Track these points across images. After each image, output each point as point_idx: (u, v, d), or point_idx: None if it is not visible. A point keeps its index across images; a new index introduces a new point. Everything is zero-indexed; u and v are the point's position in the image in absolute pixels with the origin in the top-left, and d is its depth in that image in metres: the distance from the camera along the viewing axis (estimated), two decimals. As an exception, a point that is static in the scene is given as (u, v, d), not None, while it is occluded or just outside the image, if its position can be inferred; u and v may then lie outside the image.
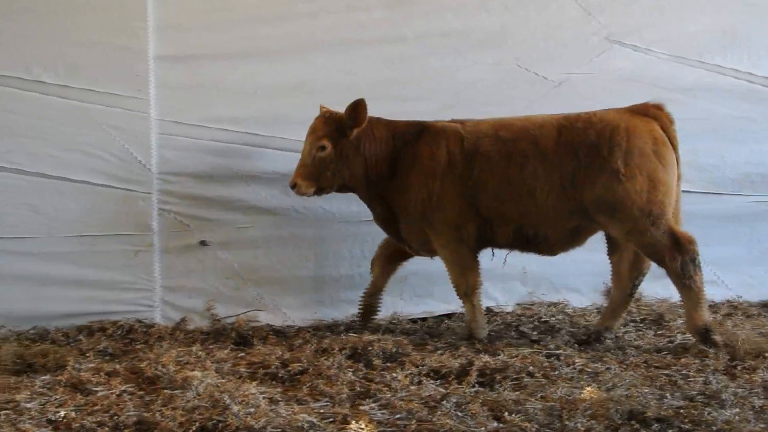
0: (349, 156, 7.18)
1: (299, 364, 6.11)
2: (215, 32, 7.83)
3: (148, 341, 7.12)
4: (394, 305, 7.97)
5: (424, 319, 7.82)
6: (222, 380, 5.71)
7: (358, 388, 5.67)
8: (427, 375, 5.97)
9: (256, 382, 5.74)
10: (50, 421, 5.04)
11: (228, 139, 7.81)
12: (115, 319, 7.48)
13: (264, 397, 5.32)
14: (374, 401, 5.41)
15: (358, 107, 7.06)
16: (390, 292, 7.75)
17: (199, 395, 5.33)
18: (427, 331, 7.54)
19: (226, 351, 6.60)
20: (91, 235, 7.57)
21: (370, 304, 7.60)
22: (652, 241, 6.64)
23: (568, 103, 7.75)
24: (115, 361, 6.45)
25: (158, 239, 7.72)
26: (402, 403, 5.34)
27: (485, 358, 6.24)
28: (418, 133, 7.24)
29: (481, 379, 5.86)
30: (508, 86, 8.09)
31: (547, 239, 7.02)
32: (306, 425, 4.88)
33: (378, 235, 7.66)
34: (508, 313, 8.00)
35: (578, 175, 6.78)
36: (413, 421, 5.05)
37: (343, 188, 7.36)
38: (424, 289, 8.10)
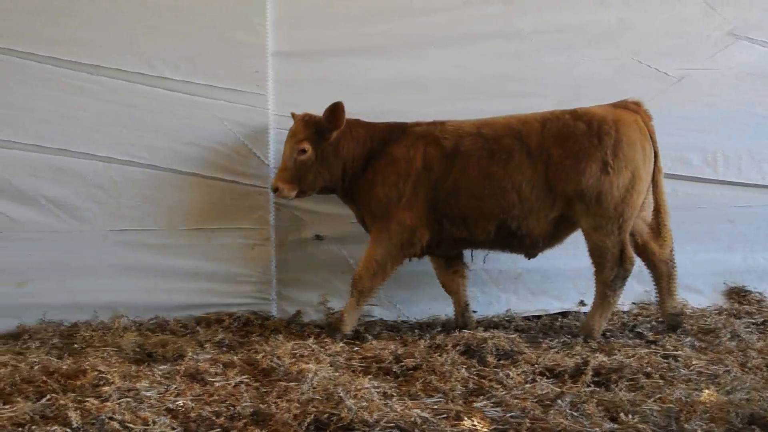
0: (329, 158, 7.21)
1: (413, 360, 6.11)
2: (332, 28, 7.89)
3: (264, 333, 7.26)
4: (508, 302, 7.90)
5: (538, 317, 7.73)
6: (336, 374, 5.75)
7: (471, 385, 5.64)
8: (541, 373, 5.90)
9: (369, 377, 5.75)
10: (169, 410, 5.13)
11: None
12: (232, 311, 7.60)
13: (377, 392, 5.34)
14: (488, 398, 5.37)
15: (336, 110, 7.07)
16: (504, 289, 7.69)
17: (314, 388, 5.38)
18: (542, 328, 7.45)
19: (340, 345, 6.63)
20: (209, 228, 7.72)
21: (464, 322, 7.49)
22: (609, 245, 6.85)
23: (688, 98, 7.64)
24: (231, 352, 6.55)
25: (275, 233, 7.83)
26: (516, 401, 5.29)
27: (601, 357, 6.13)
28: (397, 134, 7.26)
29: (596, 379, 5.76)
30: (625, 82, 7.89)
31: (530, 232, 7.01)
32: (419, 420, 4.86)
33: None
34: (624, 312, 7.83)
35: (564, 164, 6.86)
36: (527, 420, 5.00)
37: (324, 190, 7.37)
38: (538, 286, 8.01)
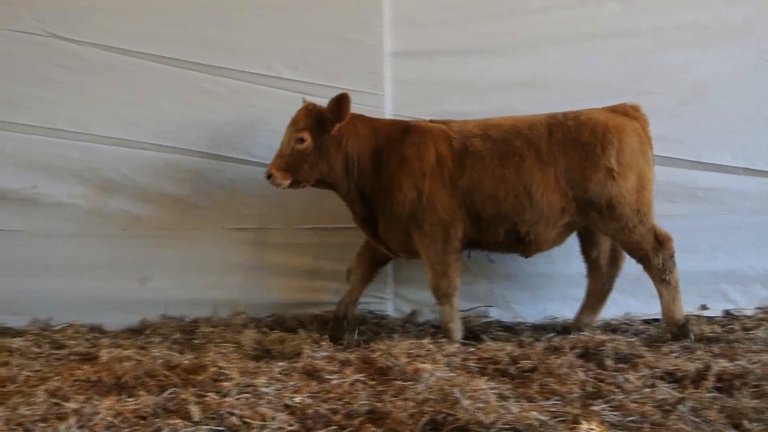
0: (330, 151, 7.05)
1: (529, 362, 6.04)
2: (449, 28, 7.87)
3: (380, 332, 7.30)
4: (626, 305, 7.75)
5: (657, 320, 7.56)
6: (452, 374, 5.73)
7: (589, 388, 5.55)
8: (661, 378, 5.76)
9: (485, 378, 5.72)
10: (286, 406, 5.20)
11: (461, 134, 7.81)
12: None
13: (494, 393, 5.30)
14: (606, 402, 5.28)
15: (342, 101, 6.94)
16: (622, 292, 7.54)
17: (430, 388, 5.37)
18: (662, 332, 7.30)
19: (456, 345, 6.61)
20: (326, 227, 7.82)
21: (345, 315, 7.41)
22: (639, 238, 6.83)
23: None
24: (348, 350, 6.60)
25: (392, 232, 7.84)
26: (634, 405, 5.19)
27: (723, 362, 5.97)
28: (403, 132, 7.13)
29: (718, 385, 5.60)
30: (750, 81, 7.69)
31: (537, 237, 6.95)
32: (536, 423, 4.81)
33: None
34: (747, 317, 7.62)
35: (572, 172, 6.83)
36: (646, 425, 4.92)
37: (320, 183, 7.19)
38: (658, 289, 7.85)
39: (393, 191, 6.99)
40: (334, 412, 5.09)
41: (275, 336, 6.84)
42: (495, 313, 7.75)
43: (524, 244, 7.03)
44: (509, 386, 5.62)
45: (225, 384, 5.46)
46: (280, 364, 6.06)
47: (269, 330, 7.19)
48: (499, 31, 7.86)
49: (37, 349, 6.87)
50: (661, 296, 6.95)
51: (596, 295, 7.28)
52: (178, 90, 7.73)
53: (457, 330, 7.02)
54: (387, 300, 7.83)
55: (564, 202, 6.87)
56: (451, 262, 7.00)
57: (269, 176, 6.95)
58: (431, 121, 7.25)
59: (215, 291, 7.73)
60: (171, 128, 7.77)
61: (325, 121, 6.99)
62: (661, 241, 6.86)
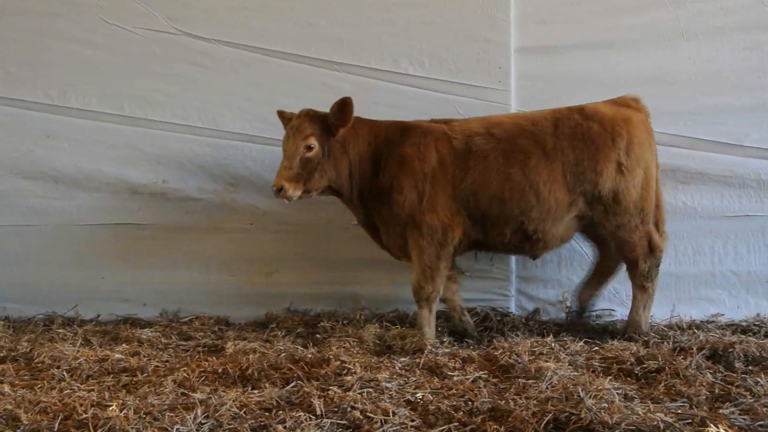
0: (337, 156, 6.92)
1: (655, 362, 5.90)
2: (576, 23, 7.77)
3: (503, 330, 7.26)
4: (758, 307, 7.54)
5: (791, 321, 7.33)
6: (575, 373, 5.67)
7: (717, 391, 5.40)
8: (795, 381, 5.58)
9: (610, 378, 5.63)
10: (408, 402, 5.22)
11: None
12: (470, 306, 7.59)
13: (618, 393, 5.21)
14: (735, 405, 5.11)
15: (345, 105, 6.79)
16: (753, 293, 7.35)
17: (553, 386, 5.32)
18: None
19: (580, 344, 6.52)
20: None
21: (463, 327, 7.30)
22: (636, 240, 6.83)
23: None
24: (470, 347, 6.59)
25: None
26: (766, 409, 5.02)
27: None
28: (402, 133, 6.99)
29: None
30: None
31: (545, 234, 6.87)
32: (662, 425, 4.69)
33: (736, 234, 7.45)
34: None
35: (582, 166, 6.76)
36: (777, 430, 4.77)
37: (327, 190, 7.07)
38: (792, 289, 7.63)
39: (392, 193, 6.88)
40: (456, 409, 5.07)
41: (396, 331, 6.84)
42: (621, 313, 7.57)
43: (532, 243, 6.94)
44: (634, 387, 5.52)
45: (347, 378, 5.50)
46: (402, 359, 6.10)
47: (391, 325, 7.19)
48: (628, 25, 7.72)
49: (165, 340, 7.04)
50: (634, 299, 7.00)
51: (602, 273, 7.32)
52: (304, 87, 7.80)
53: (431, 336, 6.88)
54: (510, 297, 7.76)
55: (571, 197, 6.80)
56: (441, 268, 6.89)
57: (280, 189, 6.70)
58: (432, 120, 7.16)
59: (339, 286, 7.80)
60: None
61: (330, 126, 6.87)
62: (652, 249, 6.87)
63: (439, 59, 7.81)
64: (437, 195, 6.80)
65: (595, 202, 6.80)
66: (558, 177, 6.77)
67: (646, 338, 6.73)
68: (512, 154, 6.79)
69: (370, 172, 6.99)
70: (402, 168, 6.87)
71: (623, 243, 6.87)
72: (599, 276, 7.37)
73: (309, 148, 6.80)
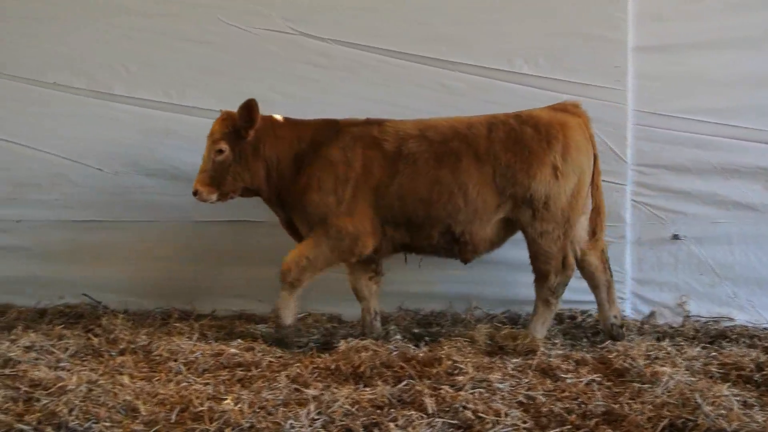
0: (248, 158, 6.89)
1: (776, 369, 5.77)
2: (695, 21, 7.64)
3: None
4: None
5: None
6: (692, 378, 5.55)
7: (843, 400, 5.24)
8: None
9: (728, 384, 5.49)
10: (520, 403, 5.18)
11: (707, 131, 7.57)
12: (584, 308, 7.57)
13: (737, 400, 5.08)
14: None
15: (248, 107, 6.78)
16: None
17: (669, 392, 5.23)
18: None
19: (697, 349, 6.40)
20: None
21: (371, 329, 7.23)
22: (555, 251, 6.74)
23: None
24: (583, 350, 6.52)
25: (630, 231, 7.70)
26: None
27: None
28: (332, 135, 6.92)
29: None
30: None
31: (473, 236, 6.79)
32: (783, 435, 4.60)
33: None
34: None
35: (513, 168, 6.68)
36: None
37: (247, 192, 7.06)
38: None
39: (310, 191, 6.83)
40: (569, 411, 5.02)
41: (508, 332, 6.79)
42: (740, 318, 7.40)
43: (460, 245, 6.86)
44: (754, 394, 5.40)
45: (459, 378, 5.48)
46: (514, 360, 6.05)
47: (503, 326, 7.17)
48: (751, 23, 7.55)
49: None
50: (534, 313, 6.90)
51: (602, 287, 7.07)
52: (419, 86, 7.82)
53: (290, 317, 6.87)
54: (624, 300, 7.64)
55: (500, 199, 6.73)
56: (319, 269, 6.86)
57: (195, 193, 6.88)
58: (366, 120, 7.04)
59: (451, 285, 7.79)
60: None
61: (239, 128, 6.85)
62: (566, 266, 6.80)
63: (555, 58, 7.76)
64: (357, 202, 6.78)
65: (525, 205, 6.73)
66: (488, 179, 6.71)
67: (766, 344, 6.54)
68: (444, 156, 6.74)
69: (292, 174, 6.95)
70: (324, 169, 6.84)
71: (540, 252, 6.79)
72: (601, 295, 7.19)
73: (219, 152, 6.87)
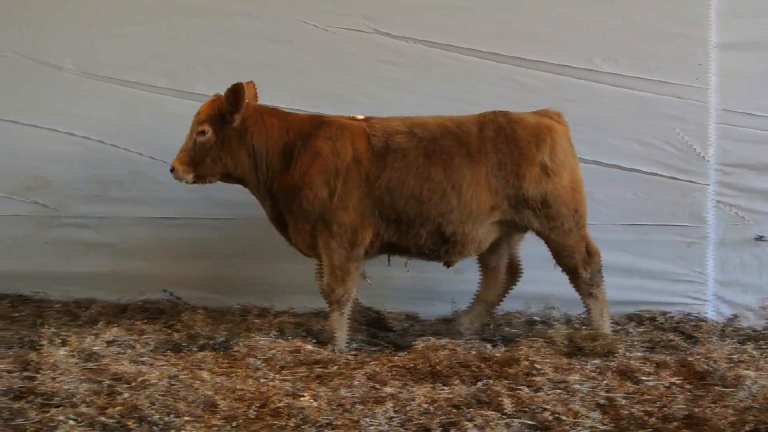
0: (232, 144, 6.80)
1: None
2: (779, 18, 7.49)
3: (698, 335, 7.05)
4: None
5: None
6: (778, 382, 5.45)
7: None
8: None
9: (815, 388, 5.38)
10: (599, 405, 5.13)
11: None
12: (664, 310, 7.43)
13: (826, 405, 4.99)
14: None
15: (235, 91, 6.67)
16: None
17: (753, 396, 5.15)
18: None
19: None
20: (643, 224, 7.67)
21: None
22: (573, 244, 6.72)
23: None
24: (664, 352, 6.44)
25: (713, 232, 7.60)
26: None
27: None
28: (318, 127, 6.82)
29: None
30: None
31: (464, 237, 6.71)
32: None
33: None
34: None
35: (504, 168, 6.65)
36: None
37: (228, 178, 6.99)
38: None
39: (303, 189, 6.71)
40: (649, 414, 4.97)
41: (586, 333, 6.73)
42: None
43: (448, 246, 6.76)
44: (843, 400, 5.26)
45: (537, 379, 5.44)
46: (593, 361, 5.99)
47: (581, 326, 7.11)
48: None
49: (354, 333, 7.18)
50: (589, 311, 6.86)
51: (487, 304, 7.17)
52: (496, 84, 7.80)
53: (342, 341, 6.78)
54: (706, 302, 7.54)
55: (495, 200, 6.66)
56: (352, 270, 6.76)
57: (172, 170, 6.85)
58: (350, 117, 6.95)
59: (529, 285, 7.70)
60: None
61: (224, 112, 6.77)
62: (590, 254, 6.76)
63: (634, 56, 7.70)
64: (350, 193, 6.68)
65: (521, 206, 6.68)
66: (481, 179, 6.65)
67: None
68: (434, 154, 6.68)
69: (281, 165, 6.85)
70: (314, 163, 6.73)
71: (560, 248, 6.78)
72: (483, 307, 7.27)
73: (202, 133, 6.80)
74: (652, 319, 7.47)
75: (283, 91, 8.02)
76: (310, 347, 6.36)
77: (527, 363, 5.72)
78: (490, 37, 7.84)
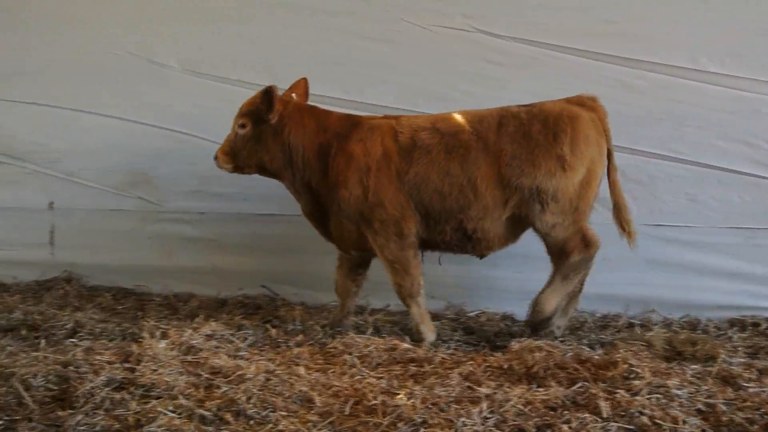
0: (268, 140, 7.01)
1: None
2: None
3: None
4: None
5: None
6: None
7: None
8: None
9: None
10: (699, 411, 5.03)
11: None
12: (742, 315, 7.36)
13: None
14: None
15: (267, 94, 6.89)
16: None
17: None
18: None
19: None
20: (749, 227, 7.50)
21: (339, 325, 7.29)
22: (567, 238, 6.63)
23: None
24: (767, 359, 6.26)
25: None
26: None
27: None
28: (351, 128, 6.96)
29: None
30: None
31: (485, 233, 6.73)
32: None
33: None
34: None
35: (519, 160, 6.60)
36: None
37: (264, 172, 7.21)
38: None
39: (339, 188, 6.87)
40: (751, 422, 4.86)
41: (686, 337, 6.63)
42: None
43: (473, 242, 6.81)
44: None
45: (635, 383, 5.36)
46: (693, 366, 5.88)
47: (681, 330, 7.02)
48: None
49: (451, 333, 7.18)
50: (550, 283, 6.73)
51: (570, 296, 6.98)
52: (598, 84, 7.67)
53: (430, 332, 6.87)
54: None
55: (507, 193, 6.64)
56: (411, 258, 6.83)
57: (215, 158, 7.15)
58: (385, 117, 7.08)
59: (627, 287, 7.64)
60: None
61: (263, 111, 6.97)
62: (587, 244, 6.64)
63: (740, 56, 7.55)
64: (383, 188, 6.78)
65: (532, 200, 6.61)
66: (495, 173, 6.62)
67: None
68: (453, 149, 6.72)
69: (317, 163, 7.00)
70: (348, 165, 6.85)
71: (554, 243, 6.70)
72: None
73: (242, 126, 7.06)
74: (756, 325, 7.29)
75: (384, 90, 8.09)
76: (406, 345, 6.38)
77: (625, 366, 5.62)
78: (593, 36, 7.76)
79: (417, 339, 6.80)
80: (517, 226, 6.86)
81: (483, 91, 7.82)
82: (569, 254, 6.66)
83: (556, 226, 6.66)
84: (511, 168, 6.64)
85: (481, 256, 7.10)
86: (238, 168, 7.21)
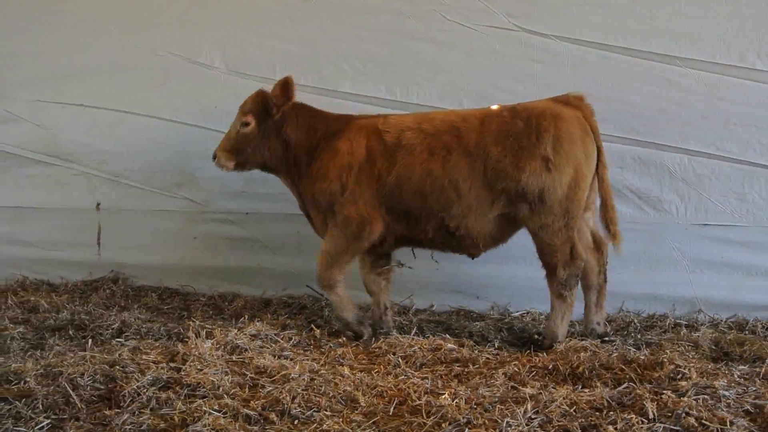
0: (271, 136, 7.14)
1: None
2: None
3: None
4: None
5: None
6: None
7: None
8: None
9: None
10: (747, 412, 4.97)
11: None
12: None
13: None
14: None
15: (286, 84, 7.04)
16: None
17: None
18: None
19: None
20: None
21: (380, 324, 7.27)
22: (558, 243, 6.58)
23: None
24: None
25: None
26: None
27: None
28: (341, 127, 7.07)
29: None
30: None
31: (468, 232, 6.73)
32: None
33: None
34: None
35: (503, 162, 6.57)
36: None
37: (265, 168, 7.36)
38: None
39: (318, 181, 6.98)
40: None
41: (734, 337, 6.57)
42: None
43: (458, 240, 6.82)
44: None
45: (682, 383, 5.30)
46: (741, 367, 5.82)
47: (728, 330, 6.96)
48: None
49: (495, 332, 7.18)
50: (552, 309, 6.71)
51: (596, 290, 6.97)
52: (644, 83, 7.65)
53: (348, 312, 7.04)
54: None
55: (493, 194, 6.61)
56: (343, 261, 6.97)
57: (214, 157, 7.24)
58: (375, 116, 7.17)
59: (674, 287, 7.58)
60: (635, 121, 7.70)
61: (270, 105, 7.10)
62: (573, 257, 6.59)
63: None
64: (361, 189, 6.85)
65: (519, 200, 6.58)
66: (479, 175, 6.60)
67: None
68: (435, 149, 6.73)
69: (306, 160, 7.13)
70: (332, 160, 6.95)
71: (544, 245, 6.64)
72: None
73: (245, 124, 7.17)
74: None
75: (429, 89, 8.08)
76: (450, 345, 6.36)
77: (671, 367, 5.58)
78: (639, 34, 7.69)
79: (342, 326, 7.05)
80: (510, 225, 6.85)
81: (527, 90, 7.77)
82: (555, 268, 6.64)
83: (545, 227, 6.62)
84: (496, 171, 6.62)
85: (472, 256, 7.09)
86: (240, 165, 7.34)
